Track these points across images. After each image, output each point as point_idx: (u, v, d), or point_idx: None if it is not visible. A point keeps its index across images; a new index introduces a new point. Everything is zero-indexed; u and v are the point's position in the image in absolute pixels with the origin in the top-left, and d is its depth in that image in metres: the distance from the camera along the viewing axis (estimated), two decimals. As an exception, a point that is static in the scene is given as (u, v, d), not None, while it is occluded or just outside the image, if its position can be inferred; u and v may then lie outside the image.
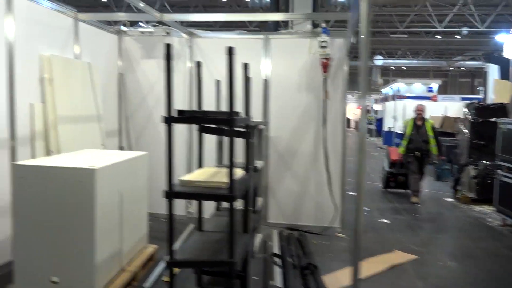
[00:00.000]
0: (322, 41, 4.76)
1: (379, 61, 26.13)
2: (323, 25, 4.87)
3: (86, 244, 3.00)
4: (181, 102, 5.30)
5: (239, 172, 3.09)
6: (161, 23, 5.15)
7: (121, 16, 4.86)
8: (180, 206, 5.43)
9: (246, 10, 17.19)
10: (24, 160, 3.27)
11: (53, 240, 3.01)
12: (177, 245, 4.28)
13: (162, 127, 5.35)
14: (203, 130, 3.15)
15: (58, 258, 3.01)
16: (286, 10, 10.64)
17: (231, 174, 2.44)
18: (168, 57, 2.50)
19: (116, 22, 5.31)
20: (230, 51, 2.43)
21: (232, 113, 2.42)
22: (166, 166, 2.60)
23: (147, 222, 4.10)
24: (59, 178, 2.98)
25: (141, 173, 3.89)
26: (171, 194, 2.52)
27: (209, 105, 5.04)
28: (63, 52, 4.33)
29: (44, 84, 4.05)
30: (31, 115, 3.93)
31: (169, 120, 2.48)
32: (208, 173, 2.96)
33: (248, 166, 3.01)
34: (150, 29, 5.20)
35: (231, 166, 2.45)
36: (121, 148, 5.43)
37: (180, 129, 5.32)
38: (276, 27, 11.75)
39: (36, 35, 3.97)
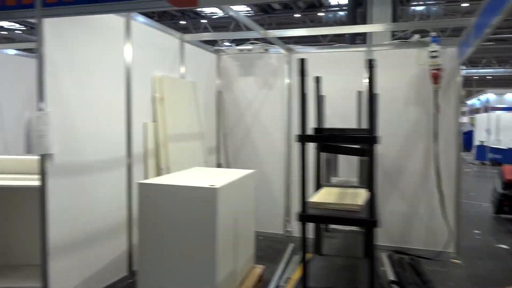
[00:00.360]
0: (433, 51, 4.44)
1: (461, 71, 24.49)
2: (433, 34, 4.54)
3: (207, 263, 2.96)
4: (278, 119, 5.23)
5: (363, 193, 2.89)
6: (255, 40, 5.16)
7: (223, 35, 4.93)
8: (277, 224, 5.31)
9: (320, 25, 17.07)
10: (150, 179, 3.34)
11: (175, 257, 3.01)
12: (288, 267, 4.14)
13: (259, 144, 5.42)
14: (324, 148, 3.00)
15: (179, 275, 3.01)
16: (363, 23, 10.37)
17: (372, 198, 2.25)
18: (302, 73, 2.39)
19: (211, 42, 5.37)
20: (371, 64, 2.27)
21: (372, 131, 2.24)
22: (299, 188, 2.48)
23: (254, 241, 4.01)
24: (182, 197, 2.99)
25: (250, 191, 3.82)
26: (305, 217, 2.37)
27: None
28: (171, 72, 4.45)
29: (156, 104, 4.17)
30: (144, 133, 4.05)
31: (305, 139, 2.35)
32: (333, 194, 2.80)
33: (372, 186, 2.80)
34: (249, 46, 5.21)
35: (372, 188, 2.26)
36: (219, 165, 5.46)
37: (279, 147, 5.25)
38: (353, 40, 11.51)
39: (148, 57, 4.11)
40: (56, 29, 3.07)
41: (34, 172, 4.07)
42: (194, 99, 4.71)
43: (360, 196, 2.72)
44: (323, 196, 2.72)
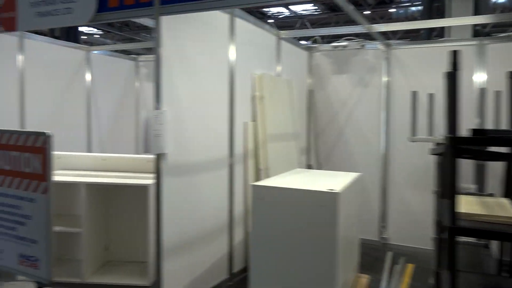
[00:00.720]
0: (562, 43, 3.95)
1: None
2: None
3: (327, 270, 2.79)
4: (375, 119, 4.94)
5: (506, 203, 2.56)
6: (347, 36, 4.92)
7: (318, 31, 4.73)
8: (372, 230, 5.02)
9: (390, 21, 16.36)
10: (261, 181, 3.20)
11: (290, 263, 2.87)
12: (393, 278, 3.86)
13: (353, 145, 5.17)
14: (464, 153, 2.68)
15: (295, 282, 2.86)
16: (441, 17, 9.71)
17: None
18: (455, 66, 2.13)
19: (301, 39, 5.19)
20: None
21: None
22: (449, 197, 2.22)
23: (359, 249, 3.78)
24: (299, 201, 2.84)
25: (358, 196, 3.60)
26: (459, 230, 2.11)
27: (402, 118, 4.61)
28: (267, 70, 4.33)
29: (255, 103, 4.06)
30: (244, 133, 3.96)
31: (461, 142, 2.08)
32: (476, 204, 2.50)
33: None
34: (343, 43, 4.98)
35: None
36: (309, 166, 5.27)
37: (375, 148, 4.96)
38: (429, 35, 10.86)
39: (249, 54, 4.02)
40: (170, 27, 3.03)
41: (137, 171, 4.14)
42: (290, 98, 4.56)
43: (507, 207, 2.40)
44: (467, 206, 2.43)
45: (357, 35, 5.10)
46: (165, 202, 3.00)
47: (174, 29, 3.08)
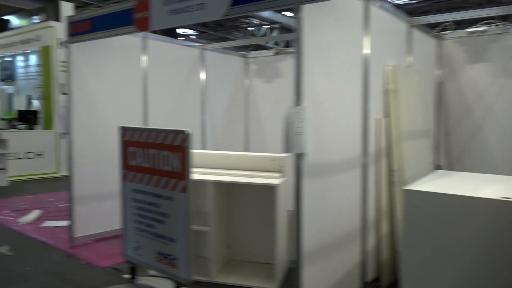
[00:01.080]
0: None
1: None
2: None
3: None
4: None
5: None
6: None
7: (457, 15, 4.22)
8: None
9: (500, 4, 14.68)
10: (412, 185, 2.84)
11: (452, 283, 2.50)
12: None
13: (493, 144, 4.55)
14: None
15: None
16: None
17: None
18: None
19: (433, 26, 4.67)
20: None
21: None
22: None
23: None
24: (464, 210, 2.45)
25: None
26: None
27: None
28: (398, 61, 3.94)
29: (388, 97, 3.71)
30: (377, 130, 3.64)
31: None
32: None
33: None
34: (481, 27, 4.39)
35: None
36: (437, 166, 4.77)
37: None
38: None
39: (381, 44, 3.67)
40: (308, 18, 2.79)
41: (259, 169, 4.01)
42: (423, 91, 4.12)
43: None
44: None
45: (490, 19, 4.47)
46: (305, 204, 2.80)
47: (311, 20, 2.85)
